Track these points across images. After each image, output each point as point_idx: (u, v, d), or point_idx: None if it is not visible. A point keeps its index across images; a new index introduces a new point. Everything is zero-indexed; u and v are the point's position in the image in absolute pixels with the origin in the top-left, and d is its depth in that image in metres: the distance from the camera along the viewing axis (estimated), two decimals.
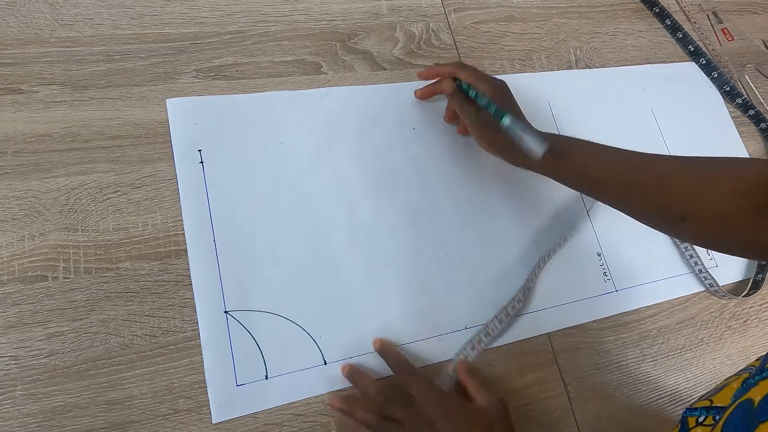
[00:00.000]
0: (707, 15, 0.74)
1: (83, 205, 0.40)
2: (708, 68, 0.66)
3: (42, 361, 0.36)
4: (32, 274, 0.38)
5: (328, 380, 0.41)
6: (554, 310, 0.48)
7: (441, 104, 0.52)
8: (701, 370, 0.51)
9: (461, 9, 0.59)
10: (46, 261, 0.38)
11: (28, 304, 0.37)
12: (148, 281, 0.40)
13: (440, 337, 0.44)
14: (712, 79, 0.65)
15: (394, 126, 0.50)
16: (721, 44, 0.71)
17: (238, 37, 0.49)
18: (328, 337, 0.42)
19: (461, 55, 0.56)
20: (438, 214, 0.48)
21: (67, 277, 0.38)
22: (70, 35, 0.45)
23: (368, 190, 0.47)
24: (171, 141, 0.44)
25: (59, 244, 0.39)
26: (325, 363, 0.41)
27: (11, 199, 0.39)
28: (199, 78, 0.47)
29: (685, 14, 0.71)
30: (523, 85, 0.56)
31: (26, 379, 0.35)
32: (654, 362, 0.49)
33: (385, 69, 0.53)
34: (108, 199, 0.41)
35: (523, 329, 0.46)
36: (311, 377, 0.40)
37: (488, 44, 0.58)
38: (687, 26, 0.68)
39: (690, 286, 0.53)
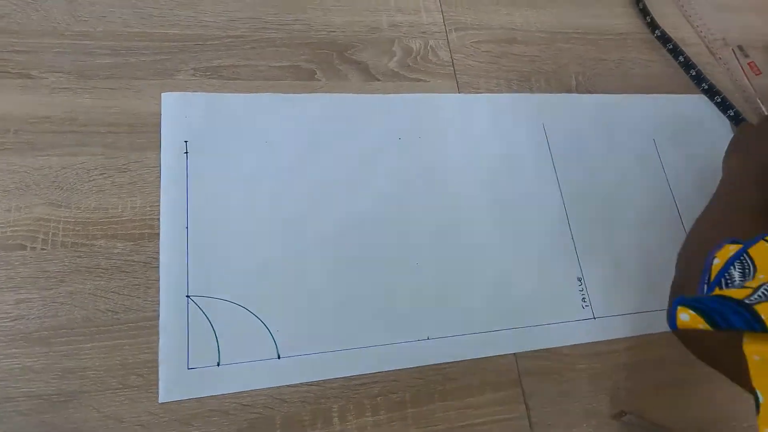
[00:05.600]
0: (732, 50, 0.72)
1: (70, 183, 0.43)
2: (724, 107, 0.63)
3: (8, 324, 0.38)
4: (13, 242, 0.40)
5: (280, 374, 0.41)
6: (524, 330, 0.47)
7: (431, 117, 0.53)
8: (681, 411, 0.48)
9: (462, 28, 0.60)
10: (27, 231, 0.41)
11: (3, 269, 0.39)
12: (119, 260, 0.41)
13: (400, 345, 0.44)
14: (729, 118, 0.63)
15: (380, 135, 0.51)
16: (749, 79, 0.69)
17: (239, 41, 0.52)
18: (285, 332, 0.42)
19: (457, 72, 0.57)
20: (413, 223, 0.48)
21: (44, 248, 0.41)
22: (84, 30, 0.49)
23: (346, 194, 0.48)
24: (161, 132, 0.46)
25: (42, 217, 0.41)
26: (279, 357, 0.41)
27: (6, 172, 0.42)
28: (197, 76, 0.49)
29: (709, 49, 0.70)
30: (518, 104, 0.57)
31: None
32: (629, 396, 0.47)
33: (378, 80, 0.54)
34: (94, 180, 0.44)
35: (489, 346, 0.45)
36: (263, 369, 0.41)
37: (486, 63, 0.59)
38: (709, 60, 0.67)
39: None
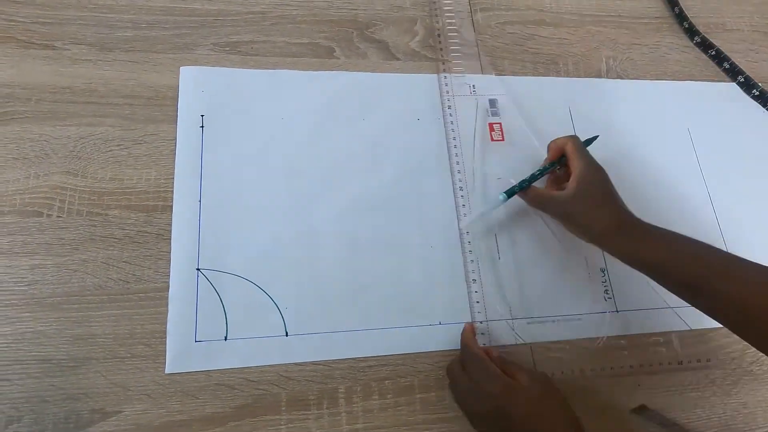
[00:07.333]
0: None
1: (87, 153, 0.43)
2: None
3: (22, 288, 0.38)
4: (30, 209, 0.41)
5: (287, 352, 0.40)
6: (542, 320, 0.45)
7: (448, 98, 0.51)
8: (708, 413, 0.45)
9: (488, 9, 0.58)
10: (44, 199, 0.41)
11: (21, 235, 0.40)
12: (132, 231, 0.41)
13: (410, 329, 0.43)
14: None
15: (397, 114, 0.50)
16: None
17: (258, 17, 0.52)
18: (294, 310, 0.41)
19: (481, 53, 0.55)
20: (430, 205, 0.47)
21: (60, 216, 0.41)
22: (106, 3, 0.49)
23: (360, 173, 0.47)
24: (178, 105, 0.46)
25: (59, 185, 0.42)
26: (287, 335, 0.41)
27: (26, 140, 0.43)
28: (215, 51, 0.49)
29: None
30: (543, 87, 0.55)
31: (4, 302, 0.38)
32: (650, 393, 0.45)
33: (398, 59, 0.53)
34: (111, 150, 0.44)
35: (506, 337, 0.44)
36: (270, 346, 0.40)
37: (512, 45, 0.56)
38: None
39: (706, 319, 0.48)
